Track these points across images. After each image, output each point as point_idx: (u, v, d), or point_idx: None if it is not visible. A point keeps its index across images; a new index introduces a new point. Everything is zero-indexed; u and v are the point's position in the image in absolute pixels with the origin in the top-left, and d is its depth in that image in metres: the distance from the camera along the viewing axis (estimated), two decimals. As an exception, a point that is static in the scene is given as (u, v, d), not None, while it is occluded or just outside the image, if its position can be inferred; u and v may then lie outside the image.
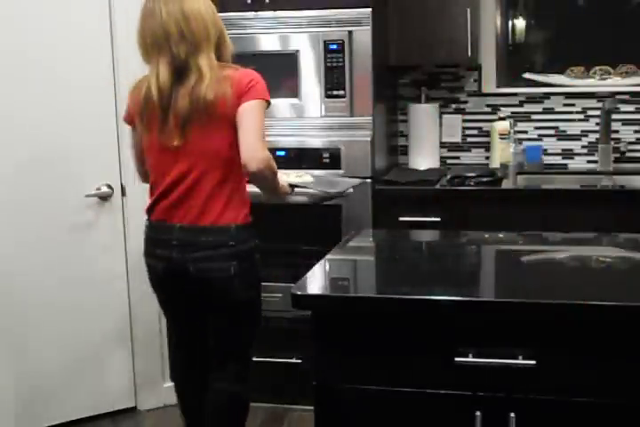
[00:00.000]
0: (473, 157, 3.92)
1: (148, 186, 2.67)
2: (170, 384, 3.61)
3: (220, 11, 2.76)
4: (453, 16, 3.51)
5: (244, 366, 2.67)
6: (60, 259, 3.30)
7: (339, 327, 1.91)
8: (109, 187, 3.35)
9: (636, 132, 3.77)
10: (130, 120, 2.61)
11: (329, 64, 3.29)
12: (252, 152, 2.38)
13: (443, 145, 3.90)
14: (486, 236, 2.58)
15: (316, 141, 3.36)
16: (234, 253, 2.48)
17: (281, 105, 3.34)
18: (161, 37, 2.43)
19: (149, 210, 2.59)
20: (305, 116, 3.37)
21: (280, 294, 3.03)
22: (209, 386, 2.67)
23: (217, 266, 2.48)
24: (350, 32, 3.26)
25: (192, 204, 2.48)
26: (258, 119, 2.42)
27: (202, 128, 2.44)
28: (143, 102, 2.48)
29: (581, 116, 3.80)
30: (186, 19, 2.42)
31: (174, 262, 2.51)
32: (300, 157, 3.35)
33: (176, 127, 2.44)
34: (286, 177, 2.68)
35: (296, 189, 2.68)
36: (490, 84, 3.87)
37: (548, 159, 3.83)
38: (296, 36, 3.32)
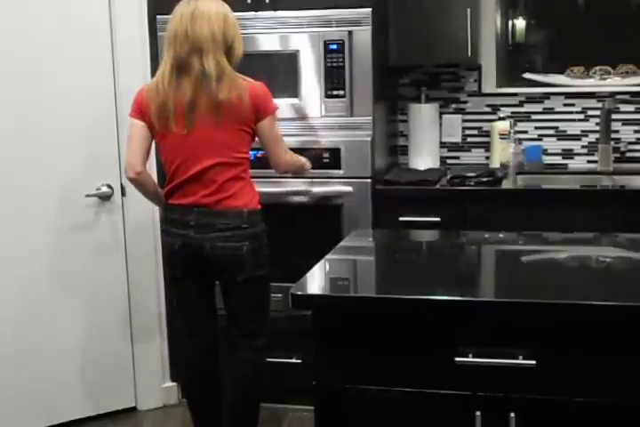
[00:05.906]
0: (473, 157, 3.92)
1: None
2: (169, 384, 3.62)
3: (220, 11, 2.78)
4: (453, 16, 3.50)
5: (263, 338, 2.91)
6: (60, 259, 3.30)
7: (339, 327, 1.91)
8: (109, 187, 3.35)
9: (636, 132, 3.76)
10: (139, 115, 2.76)
11: (329, 64, 3.29)
12: (277, 159, 2.86)
13: (443, 145, 3.90)
14: (486, 236, 2.58)
15: (315, 141, 3.36)
16: (246, 235, 2.75)
17: (281, 105, 3.32)
18: (172, 37, 2.69)
19: (168, 195, 2.81)
20: (305, 116, 3.37)
21: (280, 294, 3.02)
22: (232, 361, 2.91)
23: (231, 246, 2.74)
24: (350, 32, 3.26)
25: (208, 190, 2.73)
26: (278, 130, 2.84)
27: (211, 123, 2.69)
28: (155, 96, 2.70)
29: (581, 116, 3.80)
30: (193, 19, 2.65)
31: (192, 240, 2.75)
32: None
33: (180, 117, 2.68)
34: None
35: None
36: (490, 84, 3.87)
37: (547, 159, 3.83)
38: (296, 36, 3.31)
